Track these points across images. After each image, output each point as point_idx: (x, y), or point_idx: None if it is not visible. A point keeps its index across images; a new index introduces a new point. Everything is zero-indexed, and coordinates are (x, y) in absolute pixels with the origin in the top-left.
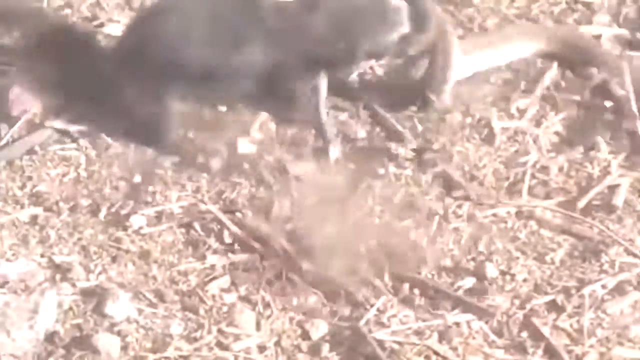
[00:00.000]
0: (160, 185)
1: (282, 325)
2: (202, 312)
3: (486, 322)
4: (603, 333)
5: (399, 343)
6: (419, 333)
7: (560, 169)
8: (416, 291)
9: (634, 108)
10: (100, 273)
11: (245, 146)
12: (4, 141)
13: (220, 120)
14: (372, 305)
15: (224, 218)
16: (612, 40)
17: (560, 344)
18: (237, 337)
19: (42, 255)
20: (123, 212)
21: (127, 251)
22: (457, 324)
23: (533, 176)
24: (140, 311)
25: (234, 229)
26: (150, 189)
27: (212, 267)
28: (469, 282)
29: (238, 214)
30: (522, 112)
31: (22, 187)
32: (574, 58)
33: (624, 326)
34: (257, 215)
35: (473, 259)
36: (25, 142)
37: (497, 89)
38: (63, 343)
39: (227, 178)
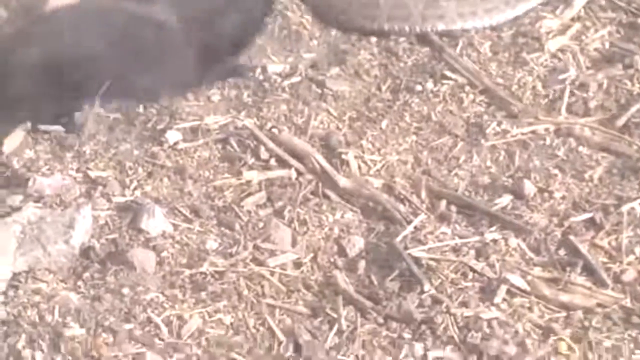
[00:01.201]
0: (196, 101)
1: (318, 242)
2: (237, 227)
3: (524, 240)
4: None
5: (436, 260)
6: (455, 250)
7: (600, 86)
8: (453, 208)
9: None
10: (135, 188)
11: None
12: None
13: None
14: (409, 222)
15: (261, 134)
16: None
17: (599, 262)
18: (272, 253)
19: (77, 170)
20: (159, 127)
21: (163, 166)
22: (495, 241)
23: (572, 93)
24: (175, 226)
25: (271, 145)
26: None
27: (248, 183)
28: (507, 199)
29: (274, 130)
30: (561, 30)
31: None
32: None
33: None
34: (294, 131)
35: (511, 177)
36: None
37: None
38: (98, 258)
39: (264, 95)
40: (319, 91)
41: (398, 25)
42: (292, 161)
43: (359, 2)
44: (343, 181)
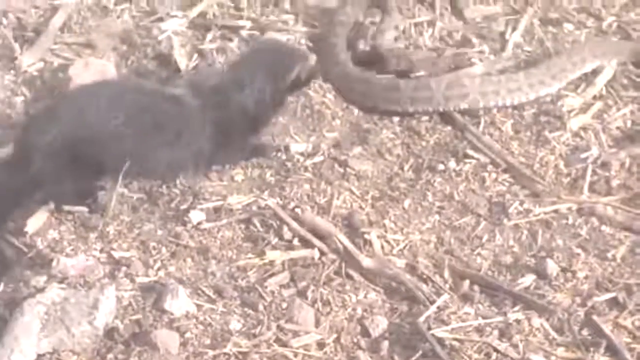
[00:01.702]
0: (219, 181)
1: (342, 322)
2: (261, 308)
3: (547, 320)
4: None
5: (459, 340)
6: (479, 330)
7: (622, 165)
8: (476, 288)
9: None
10: (159, 268)
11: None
12: None
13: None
14: (432, 302)
15: (284, 214)
16: None
17: (622, 342)
18: (296, 334)
19: (101, 251)
20: (182, 207)
21: (186, 246)
22: (518, 321)
23: (594, 172)
24: (199, 307)
25: (294, 224)
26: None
27: (271, 263)
28: (530, 279)
29: (297, 210)
30: (583, 108)
31: None
32: None
33: None
34: (317, 211)
35: (533, 256)
36: None
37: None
38: (122, 339)
39: (287, 175)
40: (342, 170)
41: (422, 107)
42: (315, 241)
43: (380, 85)
44: (366, 261)
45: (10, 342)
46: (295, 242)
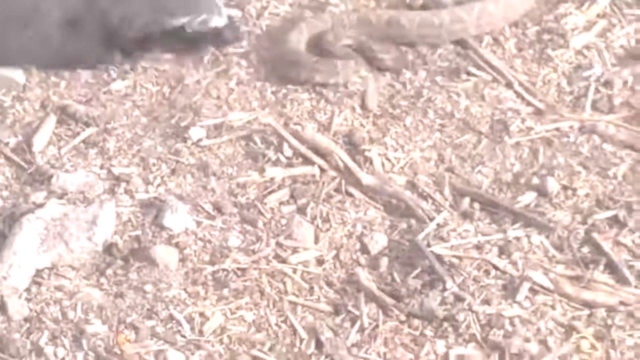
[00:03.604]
0: (220, 99)
1: (341, 239)
2: (260, 224)
3: (547, 237)
4: None
5: (458, 257)
6: (478, 247)
7: (625, 84)
8: (476, 205)
9: None
10: (159, 185)
11: None
12: None
13: None
14: (431, 219)
15: (284, 131)
16: None
17: (622, 260)
18: (295, 250)
19: (101, 167)
20: (182, 124)
21: (186, 163)
22: (518, 239)
23: (597, 90)
24: (198, 223)
25: (294, 142)
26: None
27: (272, 180)
28: (530, 196)
29: (298, 127)
30: (586, 26)
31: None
32: None
33: None
34: (318, 128)
35: (534, 174)
36: None
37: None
38: (121, 254)
39: (287, 92)
40: (343, 88)
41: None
42: (315, 158)
43: None
44: (366, 178)
45: (9, 257)
46: (296, 159)
